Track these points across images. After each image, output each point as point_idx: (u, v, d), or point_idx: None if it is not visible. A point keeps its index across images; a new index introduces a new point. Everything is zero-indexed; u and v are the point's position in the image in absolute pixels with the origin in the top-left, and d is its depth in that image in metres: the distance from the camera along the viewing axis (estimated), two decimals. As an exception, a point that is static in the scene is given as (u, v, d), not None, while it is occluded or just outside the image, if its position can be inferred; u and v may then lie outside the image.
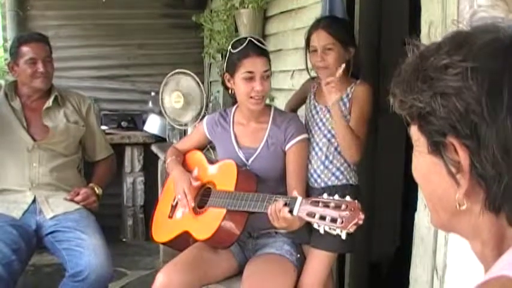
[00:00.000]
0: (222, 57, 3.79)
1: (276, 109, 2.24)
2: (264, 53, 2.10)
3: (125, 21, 4.70)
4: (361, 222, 1.62)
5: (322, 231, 1.67)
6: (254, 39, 2.11)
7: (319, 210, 1.67)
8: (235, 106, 2.29)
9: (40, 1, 4.59)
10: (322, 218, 1.65)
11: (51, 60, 2.71)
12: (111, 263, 2.43)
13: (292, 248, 2.15)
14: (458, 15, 1.58)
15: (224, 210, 1.99)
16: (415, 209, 2.06)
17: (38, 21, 4.56)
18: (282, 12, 3.27)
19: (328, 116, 2.20)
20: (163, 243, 2.36)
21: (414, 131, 0.76)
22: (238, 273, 2.16)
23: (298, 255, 2.14)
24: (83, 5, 4.58)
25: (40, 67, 2.61)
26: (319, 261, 2.13)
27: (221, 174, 2.16)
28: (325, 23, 2.19)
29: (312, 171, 2.22)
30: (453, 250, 1.66)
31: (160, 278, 2.01)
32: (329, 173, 2.21)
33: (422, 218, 1.85)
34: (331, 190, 2.17)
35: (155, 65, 4.72)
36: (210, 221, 2.04)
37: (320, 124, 2.22)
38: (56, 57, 2.87)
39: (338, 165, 2.21)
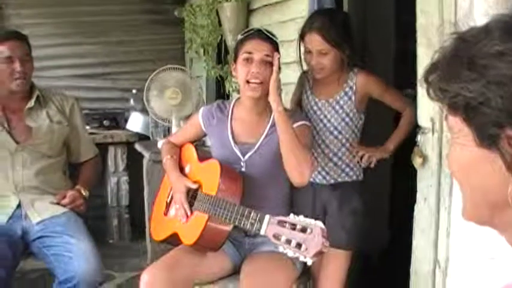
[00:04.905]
0: (204, 52, 3.75)
1: None
2: (269, 39, 2.04)
3: (103, 18, 4.59)
4: (325, 250, 1.55)
5: (290, 255, 1.60)
6: (265, 30, 2.09)
7: (286, 232, 1.60)
8: (235, 98, 2.22)
9: (14, -1, 4.46)
10: (288, 241, 1.58)
11: (31, 59, 2.60)
12: (102, 267, 2.36)
13: None
14: (455, 17, 1.56)
15: (206, 216, 1.95)
16: (406, 199, 2.04)
17: (12, 20, 4.42)
18: (265, 5, 3.22)
19: (332, 111, 2.15)
20: (161, 242, 2.30)
21: (455, 122, 0.71)
22: (234, 273, 2.12)
23: None
24: (59, 2, 4.47)
25: (17, 66, 2.50)
26: (332, 260, 2.14)
27: (206, 174, 2.09)
28: (319, 23, 2.06)
29: (319, 168, 2.18)
30: (456, 242, 1.64)
31: (145, 277, 1.98)
32: (338, 169, 2.17)
33: (422, 210, 1.83)
34: (342, 186, 2.16)
35: (135, 62, 4.65)
36: (195, 226, 2.00)
37: (325, 121, 2.16)
38: (33, 56, 2.76)
39: (347, 161, 2.17)
